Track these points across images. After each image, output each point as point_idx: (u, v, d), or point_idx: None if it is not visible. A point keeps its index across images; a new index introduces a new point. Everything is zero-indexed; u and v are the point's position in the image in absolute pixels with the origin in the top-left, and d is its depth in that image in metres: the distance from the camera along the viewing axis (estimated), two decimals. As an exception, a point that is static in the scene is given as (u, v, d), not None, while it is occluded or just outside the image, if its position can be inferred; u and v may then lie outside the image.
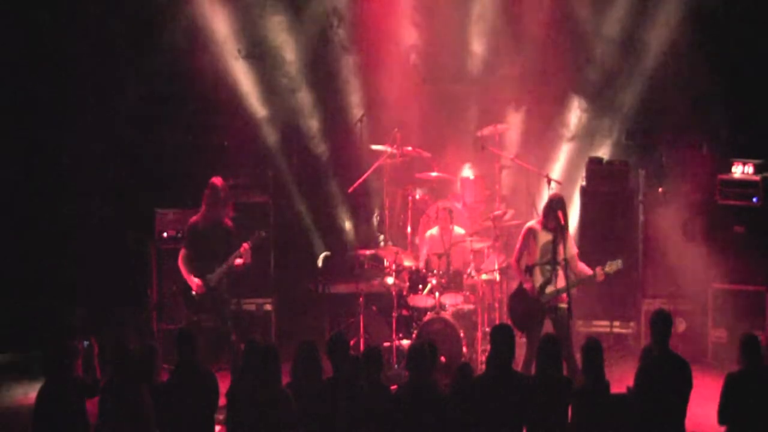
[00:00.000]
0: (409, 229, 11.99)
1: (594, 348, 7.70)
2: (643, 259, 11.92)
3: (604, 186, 12.11)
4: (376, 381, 7.68)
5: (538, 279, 9.66)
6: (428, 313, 10.87)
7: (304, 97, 13.32)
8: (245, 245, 10.28)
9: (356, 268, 12.00)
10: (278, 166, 13.07)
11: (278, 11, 13.17)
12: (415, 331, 10.79)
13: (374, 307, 11.89)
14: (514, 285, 9.98)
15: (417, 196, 12.20)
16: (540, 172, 11.63)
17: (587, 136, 13.12)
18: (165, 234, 11.74)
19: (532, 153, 12.63)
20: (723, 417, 7.60)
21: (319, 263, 12.89)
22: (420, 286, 11.00)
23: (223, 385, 7.98)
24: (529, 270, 9.66)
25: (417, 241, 12.01)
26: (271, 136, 13.23)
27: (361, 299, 11.36)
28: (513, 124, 12.86)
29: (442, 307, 10.84)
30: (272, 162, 12.98)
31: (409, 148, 11.92)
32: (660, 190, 11.87)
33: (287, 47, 13.23)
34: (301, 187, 13.37)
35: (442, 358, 10.11)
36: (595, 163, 12.24)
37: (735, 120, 12.31)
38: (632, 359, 9.59)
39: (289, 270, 12.68)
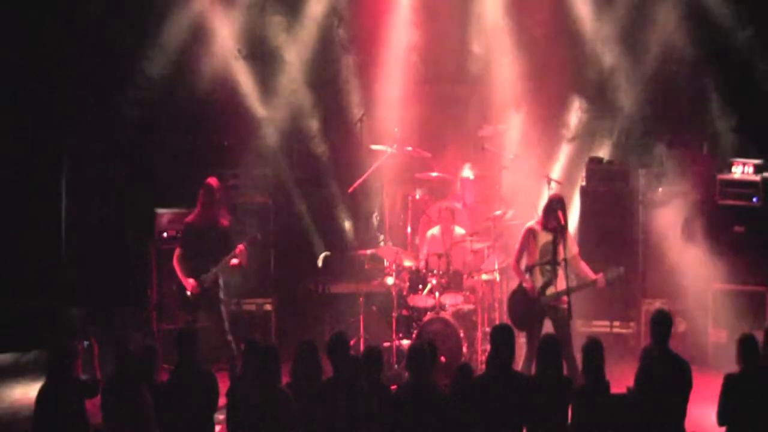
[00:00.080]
0: (409, 229, 11.99)
1: (594, 348, 7.69)
2: (643, 260, 11.93)
3: (604, 186, 12.11)
4: (376, 381, 7.68)
5: (538, 279, 9.66)
6: (428, 313, 10.86)
7: (304, 97, 13.32)
8: (240, 246, 10.27)
9: (356, 268, 12.01)
10: (278, 166, 13.06)
11: (278, 11, 13.17)
12: (415, 331, 10.78)
13: (374, 307, 11.90)
14: (514, 285, 9.98)
15: (417, 196, 12.20)
16: (540, 172, 11.64)
17: (587, 136, 13.11)
18: (165, 234, 11.70)
19: (532, 153, 12.64)
20: (722, 418, 7.60)
21: (319, 263, 12.87)
22: (420, 286, 11.01)
23: (223, 385, 7.98)
24: (529, 270, 9.67)
25: (417, 241, 12.01)
26: (271, 136, 13.21)
27: (361, 299, 11.36)
28: (513, 125, 12.85)
29: (442, 307, 10.84)
30: (272, 162, 12.97)
31: (409, 148, 11.92)
32: (660, 190, 11.88)
33: (287, 47, 13.23)
34: (301, 187, 13.36)
35: (442, 358, 10.11)
36: (595, 163, 12.24)
37: (735, 120, 12.31)
38: (632, 359, 9.56)
39: (289, 270, 12.66)
